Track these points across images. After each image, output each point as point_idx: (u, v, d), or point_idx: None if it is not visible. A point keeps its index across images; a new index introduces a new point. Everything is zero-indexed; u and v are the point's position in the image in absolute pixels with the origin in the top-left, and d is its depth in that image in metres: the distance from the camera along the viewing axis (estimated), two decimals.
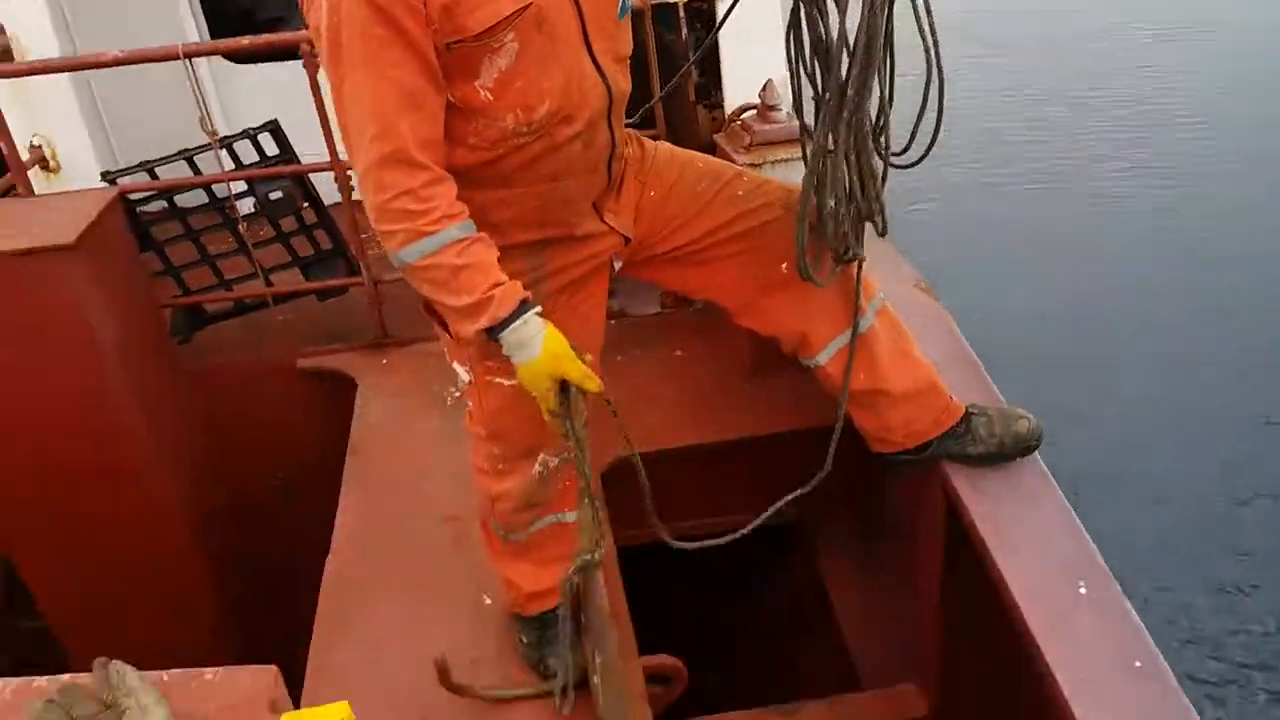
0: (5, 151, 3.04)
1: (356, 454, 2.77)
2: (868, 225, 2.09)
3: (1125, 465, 5.23)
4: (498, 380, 1.91)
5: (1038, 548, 2.10)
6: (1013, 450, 2.26)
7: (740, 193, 2.05)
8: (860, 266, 2.12)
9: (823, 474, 2.14)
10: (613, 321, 3.36)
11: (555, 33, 1.63)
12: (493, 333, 1.64)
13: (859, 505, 2.99)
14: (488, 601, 2.27)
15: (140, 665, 1.27)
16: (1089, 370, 5.95)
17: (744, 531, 2.06)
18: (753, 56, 3.09)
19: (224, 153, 3.35)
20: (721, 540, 1.96)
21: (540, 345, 1.64)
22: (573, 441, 1.70)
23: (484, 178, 1.73)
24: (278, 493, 3.25)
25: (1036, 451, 2.30)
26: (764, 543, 3.20)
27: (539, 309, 1.67)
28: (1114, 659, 1.89)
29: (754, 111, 3.00)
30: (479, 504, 2.14)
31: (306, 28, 1.66)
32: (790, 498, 2.12)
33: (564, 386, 1.67)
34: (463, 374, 1.98)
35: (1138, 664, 1.88)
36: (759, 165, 2.96)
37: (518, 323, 1.64)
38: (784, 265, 2.07)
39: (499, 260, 1.76)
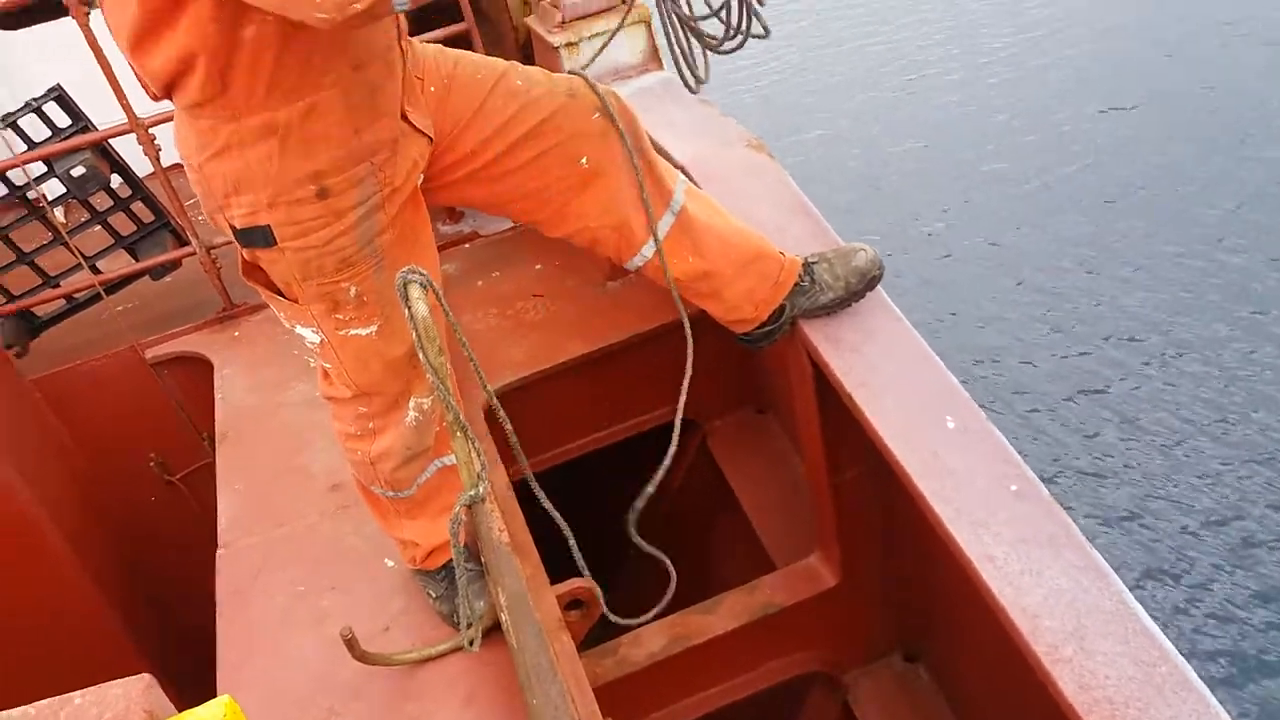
0: None
1: (225, 441, 2.66)
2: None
3: None
4: (353, 332, 1.81)
5: (901, 390, 2.13)
6: (860, 286, 2.27)
7: (519, 83, 1.93)
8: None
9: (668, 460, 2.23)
10: (467, 246, 3.31)
11: None
12: None
13: (739, 387, 3.03)
14: (390, 564, 2.24)
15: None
16: None
17: None
18: None
19: (10, 134, 3.07)
20: None
21: None
22: (429, 372, 1.61)
23: (283, 80, 1.57)
24: (156, 492, 3.12)
25: (880, 285, 2.31)
26: (658, 443, 3.25)
27: None
28: (989, 486, 1.93)
29: None
30: (357, 470, 2.06)
31: None
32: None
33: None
34: (310, 335, 1.85)
35: (1013, 488, 1.93)
36: (576, 43, 2.85)
37: None
38: (583, 159, 1.99)
39: (320, 196, 1.65)
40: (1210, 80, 7.48)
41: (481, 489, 1.78)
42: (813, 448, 2.44)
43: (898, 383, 2.15)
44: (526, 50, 3.16)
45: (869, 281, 2.28)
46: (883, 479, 2.32)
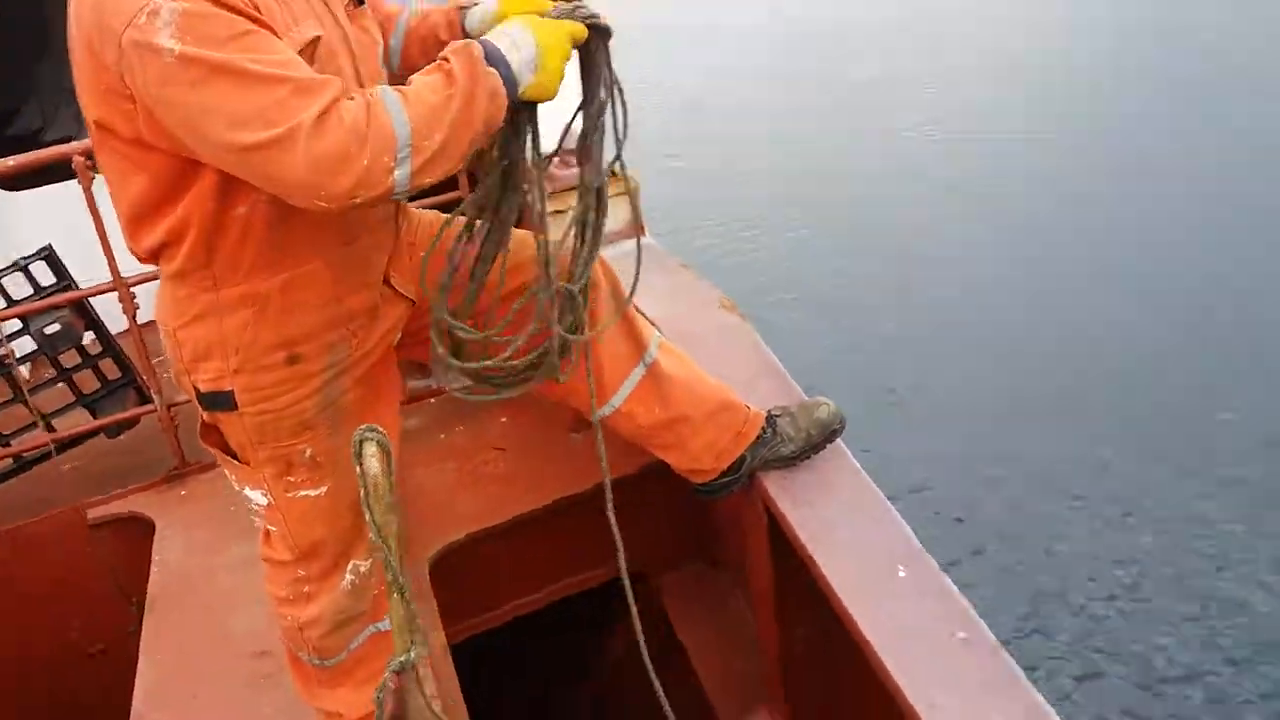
0: None
1: (155, 607, 2.56)
2: None
3: None
4: (302, 494, 1.81)
5: (855, 542, 2.14)
6: (820, 438, 2.29)
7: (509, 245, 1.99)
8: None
9: None
10: (432, 401, 3.31)
11: (337, 71, 1.57)
12: (503, 74, 1.53)
13: (694, 540, 2.99)
14: None
15: None
16: None
17: None
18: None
19: None
20: None
21: (530, 38, 1.56)
22: (372, 529, 1.57)
23: (268, 254, 1.61)
24: (78, 664, 2.96)
25: (841, 439, 2.34)
26: (609, 597, 3.17)
27: (493, 33, 1.57)
28: (936, 633, 1.95)
29: (558, 158, 2.97)
30: (285, 636, 2.00)
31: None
32: None
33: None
34: (258, 498, 1.85)
35: (961, 635, 1.94)
36: (564, 211, 2.93)
37: (498, 46, 1.54)
38: None
39: (289, 363, 1.67)
40: None
41: (414, 654, 1.70)
42: (765, 601, 2.39)
43: (851, 534, 2.15)
44: None
45: (829, 434, 2.31)
46: (832, 631, 2.28)
